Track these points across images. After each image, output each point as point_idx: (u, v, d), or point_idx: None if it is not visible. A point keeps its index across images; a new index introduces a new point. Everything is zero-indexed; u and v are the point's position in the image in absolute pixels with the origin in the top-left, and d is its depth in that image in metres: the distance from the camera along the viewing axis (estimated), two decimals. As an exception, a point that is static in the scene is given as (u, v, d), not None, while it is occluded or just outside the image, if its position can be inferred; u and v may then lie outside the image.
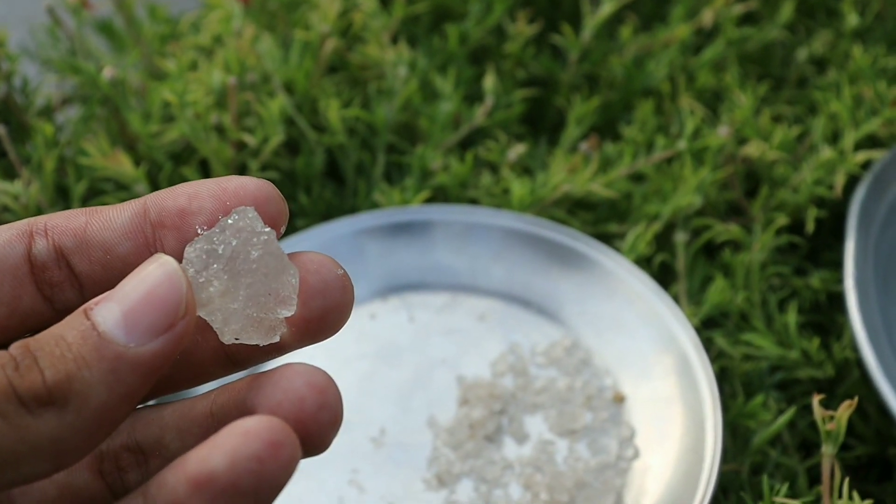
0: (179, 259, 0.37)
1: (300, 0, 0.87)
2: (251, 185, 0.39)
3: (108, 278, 0.39)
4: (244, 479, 0.33)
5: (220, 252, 0.37)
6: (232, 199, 0.38)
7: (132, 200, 0.40)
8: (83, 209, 0.40)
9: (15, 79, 0.78)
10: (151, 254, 0.38)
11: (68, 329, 0.34)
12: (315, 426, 0.36)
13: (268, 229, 0.37)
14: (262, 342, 0.38)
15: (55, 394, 0.33)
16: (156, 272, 0.35)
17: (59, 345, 0.34)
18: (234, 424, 0.34)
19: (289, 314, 0.38)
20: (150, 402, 0.42)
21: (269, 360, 0.41)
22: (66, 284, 0.39)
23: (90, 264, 0.39)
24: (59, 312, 0.39)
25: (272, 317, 0.38)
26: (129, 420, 0.40)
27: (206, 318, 0.37)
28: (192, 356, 0.40)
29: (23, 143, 0.76)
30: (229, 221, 0.37)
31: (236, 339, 0.38)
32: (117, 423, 0.35)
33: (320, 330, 0.40)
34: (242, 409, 0.38)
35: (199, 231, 0.38)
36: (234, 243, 0.37)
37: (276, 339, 0.38)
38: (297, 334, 0.40)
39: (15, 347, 0.34)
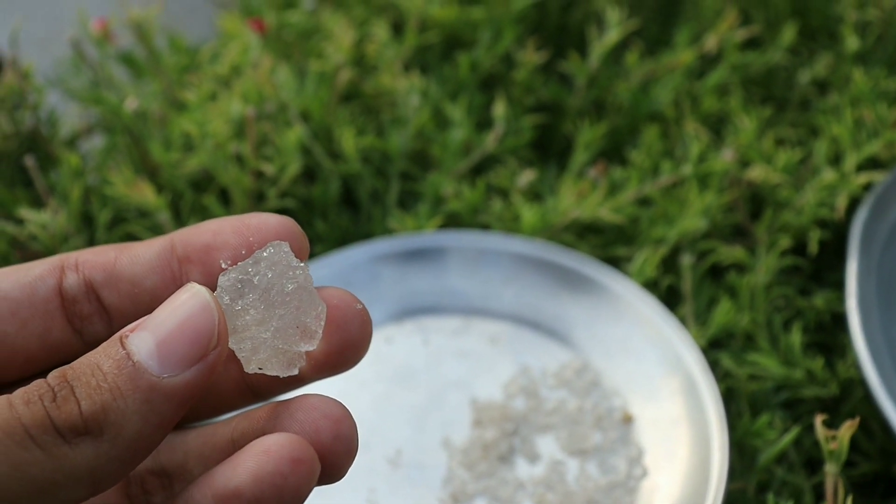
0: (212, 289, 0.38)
1: (315, 30, 0.90)
2: (273, 221, 0.41)
3: (137, 311, 0.41)
4: (267, 494, 0.35)
5: (256, 282, 0.38)
6: (255, 234, 0.40)
7: (160, 237, 0.41)
8: (112, 245, 0.42)
9: (41, 110, 0.81)
10: (178, 287, 0.39)
11: (104, 357, 0.35)
12: (330, 456, 0.38)
13: (302, 264, 0.39)
14: (282, 374, 0.39)
15: (91, 424, 0.34)
16: (189, 302, 0.36)
17: (96, 374, 0.35)
18: (256, 443, 0.36)
19: (310, 349, 0.39)
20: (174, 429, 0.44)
21: (289, 391, 0.43)
22: (95, 317, 0.41)
23: (119, 297, 0.41)
24: (89, 344, 0.41)
25: (294, 350, 0.39)
26: None
27: (235, 347, 0.39)
28: (215, 387, 0.42)
29: (49, 173, 0.79)
30: (264, 254, 0.39)
31: (259, 368, 0.39)
32: (151, 450, 0.36)
33: (339, 363, 0.41)
34: None
35: (223, 265, 0.40)
36: (269, 275, 0.38)
37: (296, 371, 0.39)
38: (317, 367, 0.41)
39: (52, 377, 0.35)
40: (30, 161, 0.74)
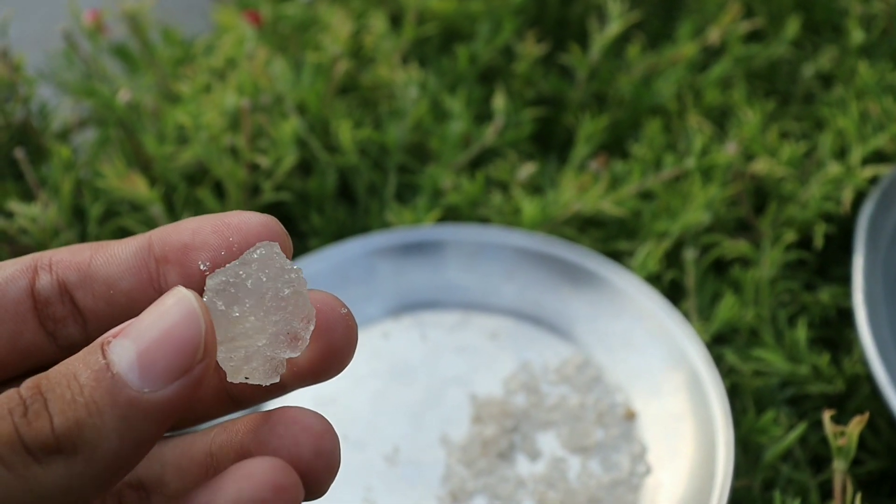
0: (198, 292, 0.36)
1: (311, 22, 0.88)
2: (255, 220, 0.38)
3: (112, 314, 0.39)
4: None
5: (250, 286, 0.36)
6: (235, 234, 0.38)
7: (137, 236, 0.39)
8: (89, 244, 0.39)
9: (32, 102, 0.79)
10: (154, 290, 0.38)
11: (83, 367, 0.33)
12: (311, 472, 0.36)
13: (296, 267, 0.37)
14: (265, 382, 0.37)
15: (64, 442, 0.32)
16: (173, 309, 0.34)
17: (72, 386, 0.33)
18: (238, 466, 0.34)
19: (294, 356, 0.37)
20: None
21: (270, 399, 0.41)
22: (69, 320, 0.39)
23: (94, 299, 0.39)
24: (63, 348, 0.39)
25: (280, 356, 0.37)
26: None
27: (225, 356, 0.36)
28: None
29: (40, 166, 0.77)
30: (255, 255, 0.36)
31: (246, 378, 0.37)
32: (129, 469, 0.34)
33: (323, 370, 0.39)
34: (241, 453, 0.37)
35: (202, 267, 0.37)
36: (263, 279, 0.36)
37: (277, 379, 0.37)
38: (300, 375, 0.39)
39: (26, 387, 0.33)
40: (20, 154, 0.72)
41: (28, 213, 0.71)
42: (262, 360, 0.36)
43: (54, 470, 0.32)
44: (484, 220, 0.77)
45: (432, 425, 0.66)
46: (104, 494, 0.39)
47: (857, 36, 0.86)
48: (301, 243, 0.78)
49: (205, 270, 0.37)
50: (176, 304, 0.34)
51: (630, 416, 0.66)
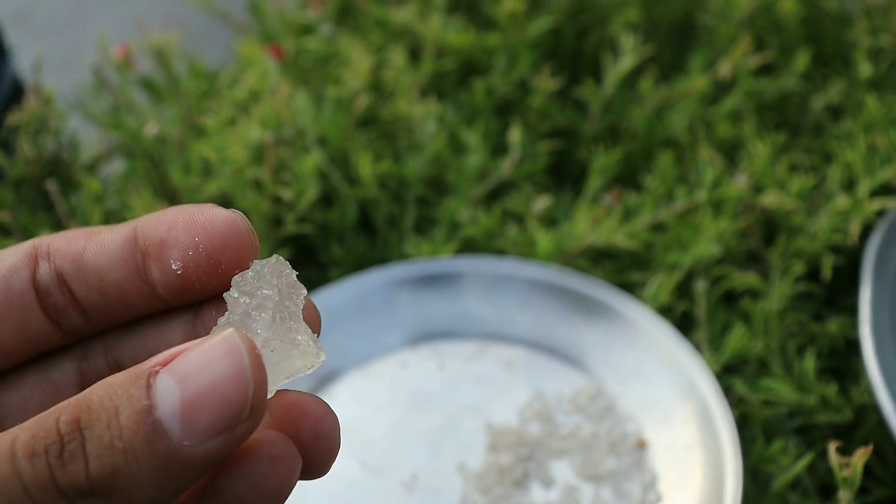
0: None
1: (332, 56, 0.91)
2: (220, 218, 0.38)
3: (107, 303, 0.39)
4: (248, 495, 0.34)
5: (268, 308, 0.37)
6: (201, 234, 0.38)
7: (125, 224, 0.39)
8: (83, 230, 0.40)
9: (63, 135, 0.82)
10: (142, 282, 0.38)
11: (125, 402, 0.32)
12: (312, 455, 0.36)
13: (301, 286, 0.38)
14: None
15: (98, 488, 0.32)
16: (223, 361, 0.33)
17: (111, 426, 0.32)
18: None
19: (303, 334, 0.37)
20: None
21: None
22: (70, 308, 0.39)
23: (88, 290, 0.39)
24: (68, 334, 0.40)
25: (295, 339, 0.37)
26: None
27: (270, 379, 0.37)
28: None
29: (69, 197, 0.80)
30: (274, 283, 0.37)
31: (287, 378, 0.37)
32: None
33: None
34: None
35: (173, 266, 0.38)
36: (277, 300, 0.37)
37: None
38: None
39: (65, 421, 0.32)
40: (51, 185, 0.75)
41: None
42: (282, 366, 0.37)
43: None
44: (500, 253, 0.79)
45: (449, 453, 0.68)
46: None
47: (865, 69, 0.88)
48: (322, 274, 0.80)
49: (177, 270, 0.37)
50: (226, 355, 0.33)
51: (641, 446, 0.67)
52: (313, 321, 0.39)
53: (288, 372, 0.37)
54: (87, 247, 0.39)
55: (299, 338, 0.37)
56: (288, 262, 0.38)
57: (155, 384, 0.32)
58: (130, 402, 0.32)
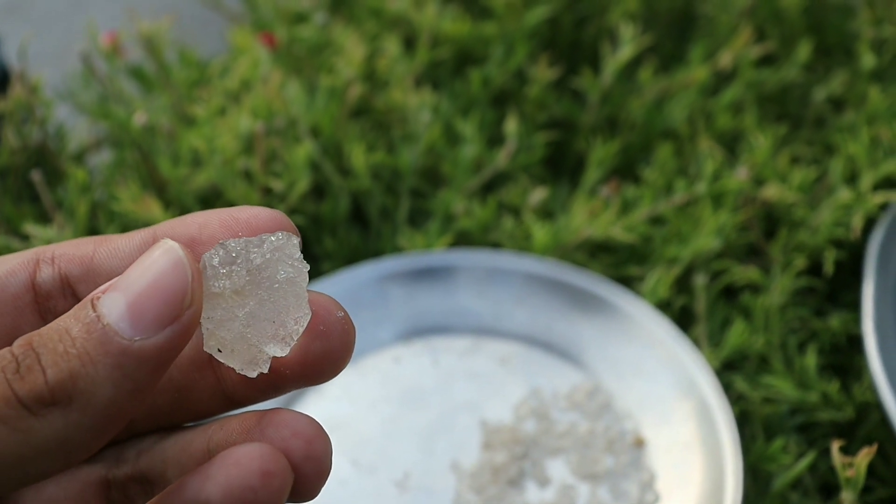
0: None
1: (326, 44, 0.89)
2: (264, 215, 0.38)
3: None
4: None
5: (251, 258, 0.36)
6: (245, 229, 0.38)
7: (142, 230, 0.39)
8: (92, 238, 0.39)
9: (49, 124, 0.80)
10: None
11: (73, 321, 0.33)
12: (301, 477, 0.36)
13: (304, 262, 0.37)
14: (239, 368, 0.37)
15: (58, 393, 0.32)
16: (161, 259, 0.34)
17: (63, 339, 0.33)
18: (228, 453, 0.34)
19: (280, 355, 0.37)
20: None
21: (266, 399, 0.41)
22: None
23: None
24: None
25: (262, 349, 0.37)
26: (133, 452, 0.40)
27: (202, 317, 0.36)
28: (190, 393, 0.40)
29: (56, 188, 0.78)
30: (272, 238, 0.36)
31: (219, 350, 0.37)
32: (126, 418, 0.34)
33: (318, 373, 0.39)
34: None
35: None
36: (267, 256, 0.36)
37: (254, 374, 0.37)
38: (294, 375, 0.39)
39: (17, 345, 0.33)
40: (36, 176, 0.73)
41: (44, 236, 0.72)
42: (239, 339, 0.36)
43: (51, 422, 0.32)
44: (495, 245, 0.77)
45: (443, 451, 0.67)
46: (108, 484, 0.40)
47: (868, 60, 0.87)
48: (314, 267, 0.78)
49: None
50: (163, 255, 0.34)
51: (639, 444, 0.66)
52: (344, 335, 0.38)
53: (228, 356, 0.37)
54: (98, 251, 0.39)
55: (263, 348, 0.36)
56: (298, 245, 0.37)
57: (99, 302, 0.34)
58: (78, 319, 0.33)
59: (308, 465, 0.35)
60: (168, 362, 0.34)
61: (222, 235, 0.38)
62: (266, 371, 0.37)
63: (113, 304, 0.33)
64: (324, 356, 0.38)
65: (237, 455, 0.34)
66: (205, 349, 0.37)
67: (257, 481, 0.34)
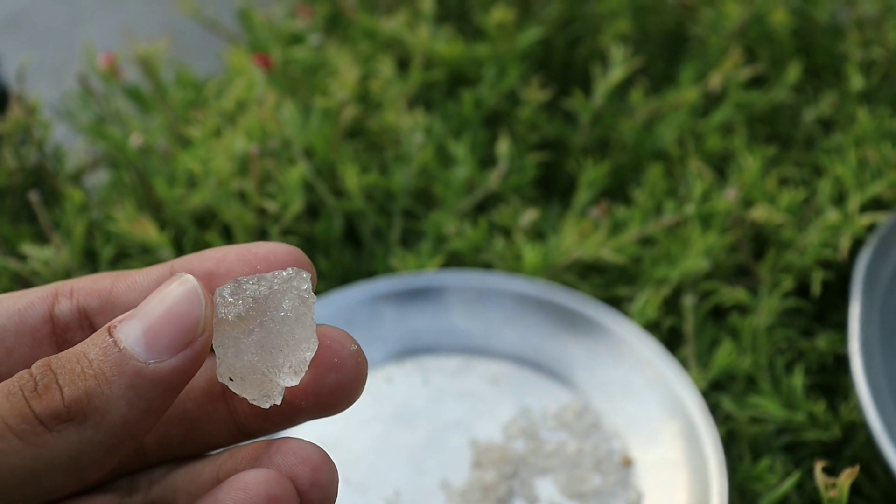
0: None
1: (320, 65, 0.90)
2: (282, 250, 0.40)
3: None
4: None
5: (259, 289, 0.37)
6: (262, 264, 0.39)
7: (159, 265, 0.41)
8: (110, 273, 0.41)
9: (47, 145, 0.81)
10: None
11: (91, 346, 0.35)
12: (306, 503, 0.37)
13: (313, 295, 0.38)
14: (252, 399, 0.38)
15: (74, 410, 0.34)
16: (176, 290, 0.36)
17: (81, 361, 0.35)
18: (235, 478, 0.36)
19: (291, 384, 0.38)
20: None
21: (277, 430, 0.42)
22: None
23: None
24: None
25: (274, 380, 0.38)
26: (146, 481, 0.41)
27: (215, 342, 0.37)
28: (203, 424, 0.41)
29: (53, 208, 0.79)
30: (284, 273, 0.38)
31: (230, 379, 0.38)
32: (138, 437, 0.36)
33: (332, 404, 0.40)
34: None
35: None
36: (275, 288, 0.37)
37: (267, 405, 0.38)
38: (308, 406, 0.40)
39: (37, 366, 0.35)
40: (34, 196, 0.74)
41: (41, 256, 0.73)
42: (250, 368, 0.37)
43: (65, 437, 0.34)
44: (486, 266, 0.78)
45: (433, 470, 0.67)
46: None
47: (857, 82, 0.88)
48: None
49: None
50: (179, 286, 0.36)
51: (627, 464, 0.67)
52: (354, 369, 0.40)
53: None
54: (116, 284, 0.40)
55: (274, 379, 0.38)
56: (308, 279, 0.38)
57: (117, 329, 0.36)
58: (96, 344, 0.35)
59: (314, 491, 0.37)
60: (181, 385, 0.36)
61: (240, 270, 0.39)
62: (279, 403, 0.38)
63: (130, 331, 0.35)
64: (337, 388, 0.39)
65: (245, 480, 0.35)
66: (218, 378, 0.38)
67: None
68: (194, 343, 0.36)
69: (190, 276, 0.36)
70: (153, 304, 0.36)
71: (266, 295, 0.37)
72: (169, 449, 0.41)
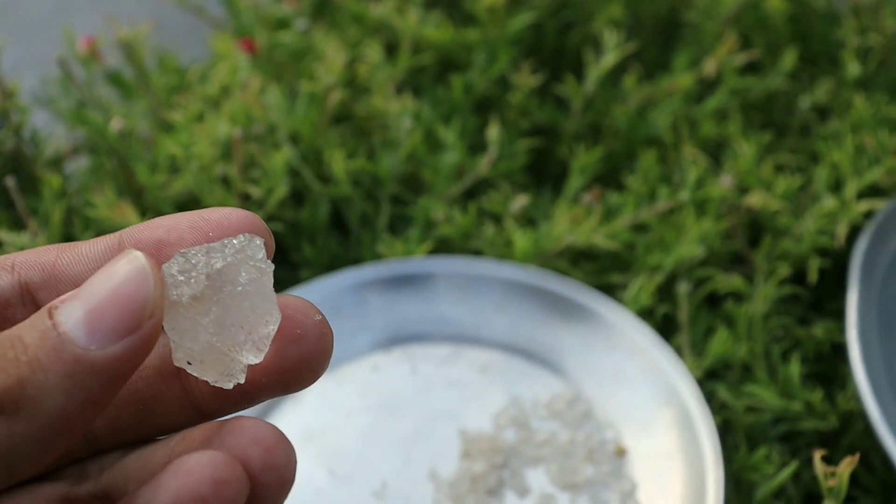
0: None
1: (306, 50, 0.88)
2: (235, 216, 0.37)
3: None
4: None
5: (211, 262, 0.34)
6: (215, 230, 0.36)
7: (107, 235, 0.38)
8: (56, 245, 0.38)
9: (25, 130, 0.79)
10: None
11: (28, 329, 0.32)
12: (260, 487, 0.34)
13: (269, 262, 0.35)
14: (213, 381, 0.35)
15: (4, 401, 0.31)
16: (123, 269, 0.33)
17: (15, 346, 0.32)
18: (179, 461, 0.33)
19: (255, 362, 0.35)
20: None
21: (238, 411, 0.39)
22: None
23: None
24: None
25: (236, 358, 0.35)
26: (96, 468, 0.38)
27: (167, 325, 0.35)
28: (156, 406, 0.39)
29: (31, 194, 0.77)
30: (234, 241, 0.35)
31: (188, 363, 0.35)
32: (76, 431, 0.33)
33: (295, 379, 0.37)
34: None
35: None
36: (228, 260, 0.34)
37: (230, 385, 0.36)
38: (269, 383, 0.37)
39: None
40: (10, 182, 0.72)
41: (17, 243, 0.71)
42: (209, 349, 0.35)
43: None
44: (476, 253, 0.76)
45: (421, 460, 0.66)
46: (70, 502, 0.38)
47: (853, 68, 0.86)
48: (292, 274, 0.78)
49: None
50: (126, 264, 0.33)
51: (620, 453, 0.65)
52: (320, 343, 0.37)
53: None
54: (60, 257, 0.37)
55: (235, 357, 0.35)
56: (262, 246, 0.35)
57: (57, 311, 0.32)
58: (34, 327, 0.32)
59: (267, 474, 0.34)
60: (125, 374, 0.33)
61: (192, 238, 0.36)
62: (243, 381, 0.36)
63: (71, 312, 0.32)
64: (301, 362, 0.37)
65: (189, 463, 0.32)
66: (174, 363, 0.35)
67: (208, 490, 0.32)
68: (141, 328, 0.32)
69: (139, 254, 0.33)
70: (97, 284, 0.33)
71: (220, 269, 0.34)
72: (120, 433, 0.38)
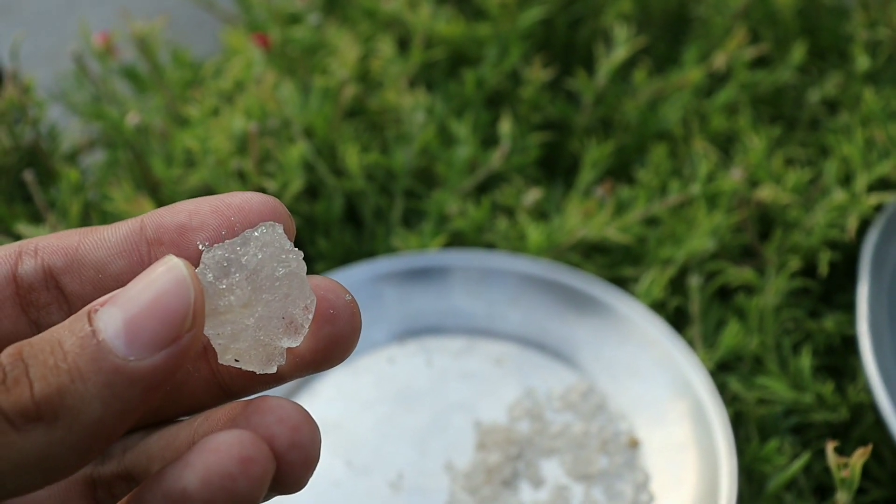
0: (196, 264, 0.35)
1: (319, 45, 0.89)
2: (257, 200, 0.37)
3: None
4: (217, 497, 0.32)
5: (244, 262, 0.35)
6: (237, 214, 0.36)
7: (129, 220, 0.38)
8: (77, 230, 0.38)
9: (42, 124, 0.80)
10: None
11: (68, 333, 0.32)
12: (285, 466, 0.34)
13: (296, 249, 0.36)
14: (259, 370, 0.36)
15: (44, 409, 0.31)
16: (163, 277, 0.33)
17: (55, 352, 0.32)
18: (207, 440, 0.33)
19: (294, 345, 0.36)
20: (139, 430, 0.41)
21: (263, 389, 0.39)
22: (53, 306, 0.37)
23: (81, 284, 0.37)
24: None
25: (276, 344, 0.36)
26: (120, 448, 0.39)
27: (212, 332, 0.35)
28: (183, 386, 0.39)
29: (48, 188, 0.78)
30: (255, 234, 0.35)
31: (236, 360, 0.36)
32: (112, 439, 0.33)
33: (325, 359, 0.38)
34: None
35: (200, 248, 0.36)
36: (259, 256, 0.35)
37: (274, 369, 0.36)
38: (300, 363, 0.38)
39: (6, 354, 0.32)
40: (29, 176, 0.73)
41: (36, 236, 0.71)
42: (254, 343, 0.35)
43: (33, 437, 0.31)
44: (490, 246, 0.77)
45: (437, 452, 0.66)
46: (94, 482, 0.39)
47: (862, 62, 0.87)
48: (308, 267, 0.78)
49: (203, 250, 0.36)
50: (166, 272, 0.33)
51: (634, 445, 0.66)
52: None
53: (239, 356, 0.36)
54: (83, 241, 0.37)
55: (275, 343, 0.35)
56: (284, 233, 0.35)
57: (96, 316, 0.32)
58: (73, 332, 0.32)
59: (293, 452, 0.34)
60: (162, 385, 0.33)
61: (214, 222, 0.36)
62: (283, 363, 0.36)
63: (110, 320, 0.32)
64: (333, 341, 0.37)
65: (216, 442, 0.33)
66: (221, 363, 0.36)
67: (236, 468, 0.32)
68: (180, 340, 0.32)
69: (179, 261, 0.33)
70: (137, 291, 0.32)
71: (255, 268, 0.35)
72: (146, 413, 0.38)
